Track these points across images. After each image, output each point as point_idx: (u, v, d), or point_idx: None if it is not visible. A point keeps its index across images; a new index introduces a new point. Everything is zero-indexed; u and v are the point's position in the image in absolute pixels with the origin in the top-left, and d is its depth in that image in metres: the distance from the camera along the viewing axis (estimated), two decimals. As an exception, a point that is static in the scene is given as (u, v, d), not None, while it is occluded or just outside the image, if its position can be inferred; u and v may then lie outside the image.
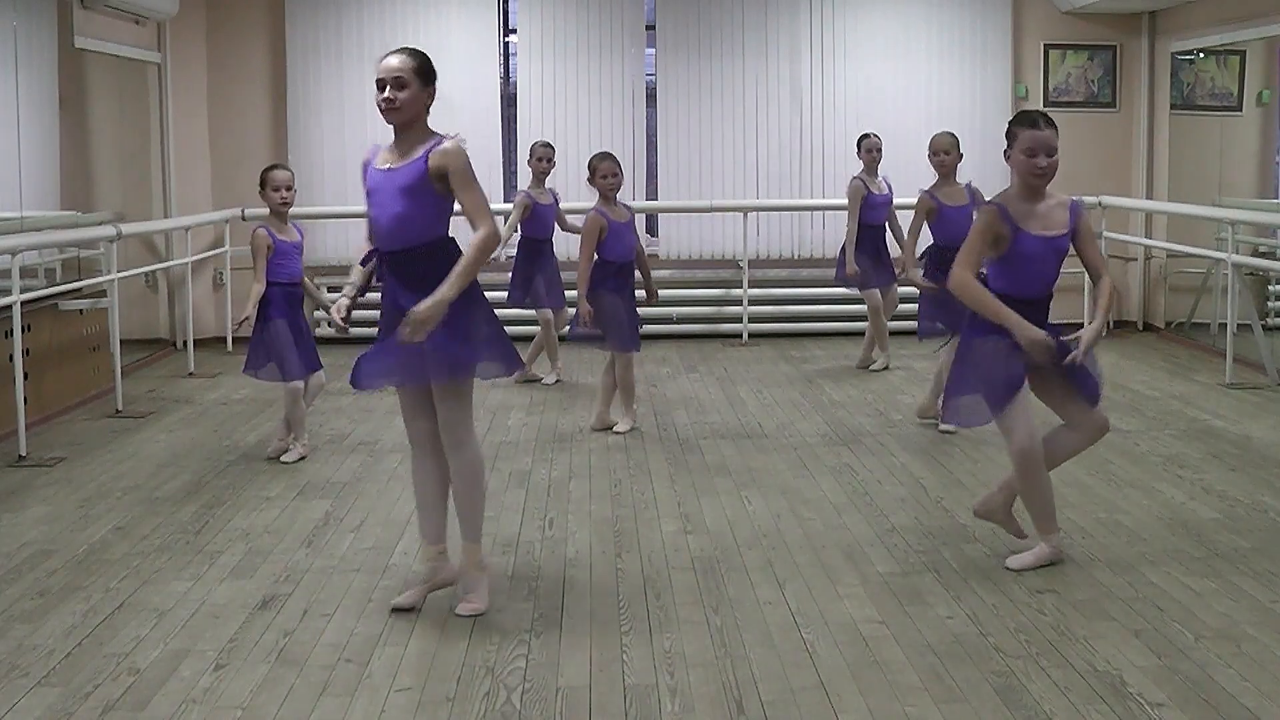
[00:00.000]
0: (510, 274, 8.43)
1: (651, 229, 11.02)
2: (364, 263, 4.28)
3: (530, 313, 8.63)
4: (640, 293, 7.01)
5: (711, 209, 10.50)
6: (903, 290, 8.53)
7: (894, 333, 8.95)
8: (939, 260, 6.75)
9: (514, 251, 8.61)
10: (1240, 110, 10.08)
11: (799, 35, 10.60)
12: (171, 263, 9.71)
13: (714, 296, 10.61)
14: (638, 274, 7.00)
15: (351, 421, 7.28)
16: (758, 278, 10.54)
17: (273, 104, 10.47)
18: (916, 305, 7.11)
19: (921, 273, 6.95)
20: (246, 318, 6.26)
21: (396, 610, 4.25)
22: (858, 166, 8.80)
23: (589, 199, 7.10)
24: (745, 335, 10.34)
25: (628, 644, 3.96)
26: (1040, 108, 8.50)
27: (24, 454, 6.49)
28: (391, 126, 4.13)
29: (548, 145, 8.55)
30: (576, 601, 4.36)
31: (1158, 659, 3.78)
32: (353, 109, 10.16)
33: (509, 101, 10.77)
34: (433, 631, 4.09)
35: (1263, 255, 9.52)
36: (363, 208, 4.28)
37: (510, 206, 8.64)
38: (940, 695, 3.55)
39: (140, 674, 3.77)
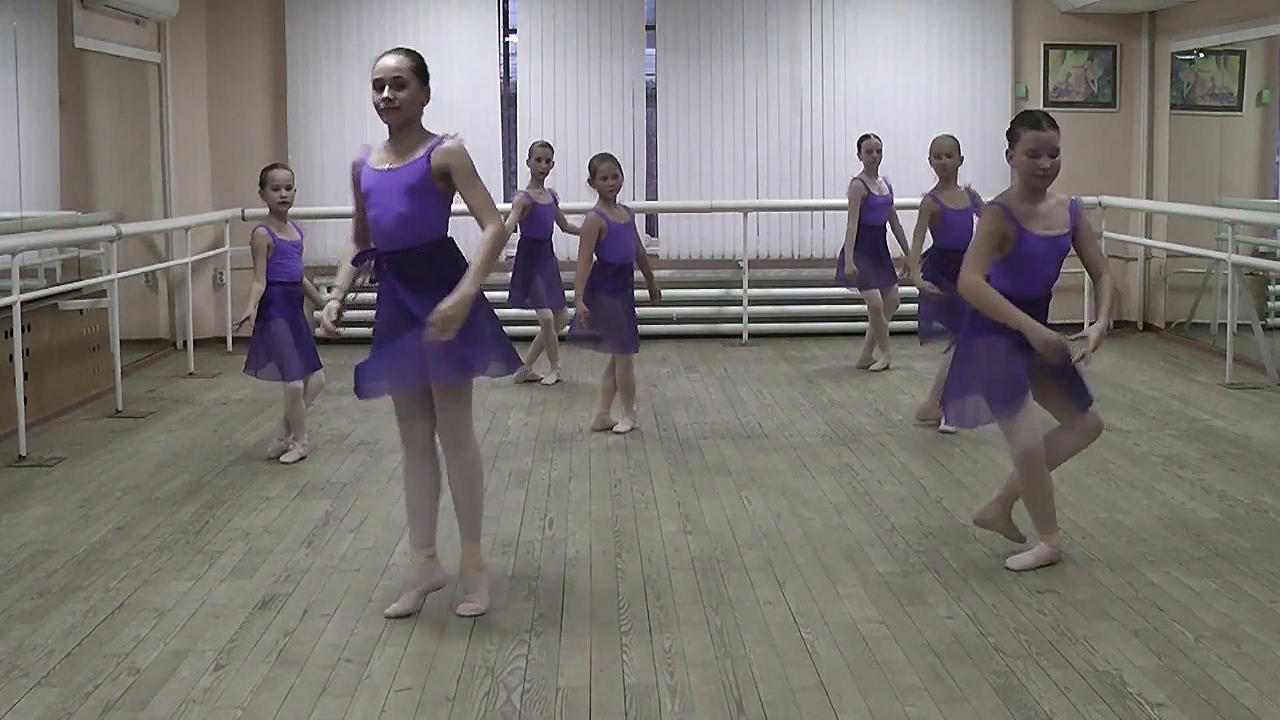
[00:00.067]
0: (510, 274, 8.43)
1: (651, 229, 11.02)
2: (356, 263, 4.25)
3: (530, 313, 8.63)
4: (642, 293, 7.02)
5: (711, 209, 10.50)
6: (903, 291, 8.54)
7: (894, 333, 8.95)
8: (939, 263, 6.75)
9: (514, 252, 8.61)
10: (1240, 110, 10.07)
11: (799, 35, 10.60)
12: (171, 263, 9.71)
13: (714, 296, 10.62)
14: (639, 275, 7.01)
15: (351, 421, 7.28)
16: (758, 278, 10.54)
17: (273, 104, 10.47)
18: (917, 306, 7.11)
19: (921, 274, 6.95)
20: (247, 317, 6.26)
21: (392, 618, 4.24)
22: (858, 167, 8.80)
23: (589, 199, 7.10)
24: (745, 335, 10.34)
25: (628, 644, 3.96)
26: (1040, 108, 8.50)
27: (24, 454, 6.49)
28: (386, 126, 4.13)
29: (547, 145, 8.55)
30: (576, 601, 4.36)
31: (1158, 659, 3.78)
32: (353, 109, 10.16)
33: (509, 101, 10.77)
34: (433, 631, 4.09)
35: (1263, 255, 9.52)
36: (361, 208, 4.27)
37: (509, 206, 8.65)
38: (940, 695, 3.55)
39: (140, 674, 3.77)
